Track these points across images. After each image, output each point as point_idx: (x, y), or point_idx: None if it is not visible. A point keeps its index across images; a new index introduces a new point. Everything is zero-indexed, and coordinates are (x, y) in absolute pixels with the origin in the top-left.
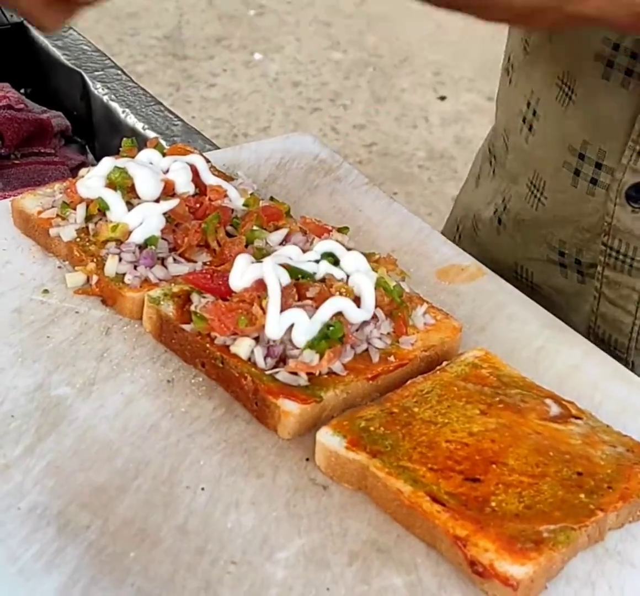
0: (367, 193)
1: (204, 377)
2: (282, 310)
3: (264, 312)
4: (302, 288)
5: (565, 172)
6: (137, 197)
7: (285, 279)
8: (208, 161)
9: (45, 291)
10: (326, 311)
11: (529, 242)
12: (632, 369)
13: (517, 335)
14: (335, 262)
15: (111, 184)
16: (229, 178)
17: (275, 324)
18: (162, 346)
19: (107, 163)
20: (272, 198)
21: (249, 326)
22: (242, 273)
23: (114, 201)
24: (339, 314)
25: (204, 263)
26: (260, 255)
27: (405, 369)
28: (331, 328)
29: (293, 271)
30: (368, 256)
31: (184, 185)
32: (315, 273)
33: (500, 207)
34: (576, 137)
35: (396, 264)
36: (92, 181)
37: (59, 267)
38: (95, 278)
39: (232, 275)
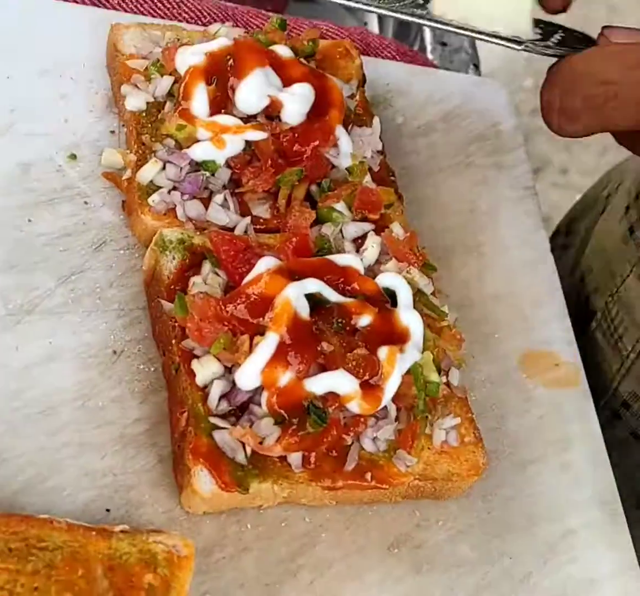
0: (517, 203)
1: (157, 367)
2: (270, 360)
3: (250, 350)
4: (318, 339)
5: None
6: (232, 103)
7: (305, 311)
8: (364, 80)
9: (73, 156)
10: (320, 386)
11: None
12: None
13: (551, 500)
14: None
15: (210, 69)
16: (367, 115)
17: (250, 375)
18: (144, 297)
19: (224, 42)
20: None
21: (225, 352)
22: (258, 280)
23: (200, 92)
24: (335, 395)
25: (256, 218)
26: (320, 244)
27: (378, 493)
28: (313, 415)
29: (321, 302)
30: (432, 320)
31: (294, 115)
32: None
33: None
34: None
35: (460, 344)
36: (193, 57)
37: (112, 131)
38: (128, 173)
39: (248, 277)
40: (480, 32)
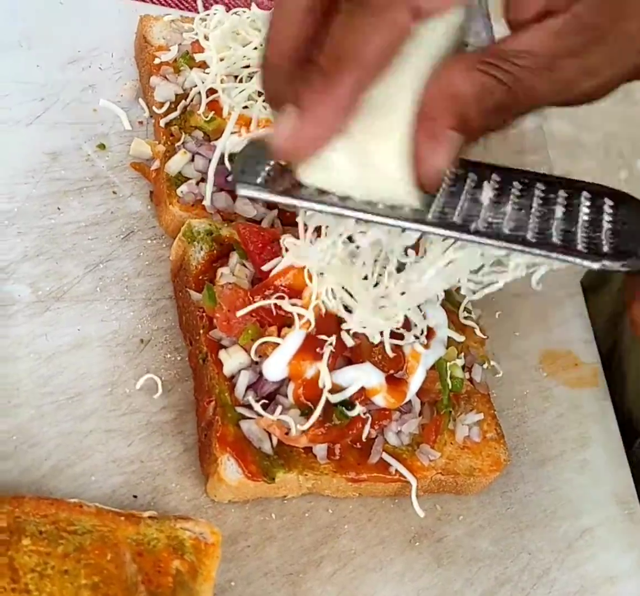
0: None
1: (183, 357)
2: (297, 352)
3: (278, 341)
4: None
5: None
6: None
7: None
8: None
9: (102, 145)
10: (346, 378)
11: None
12: None
13: (570, 497)
14: None
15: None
16: None
17: (278, 366)
18: (171, 287)
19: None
20: None
21: (253, 343)
22: (286, 272)
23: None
24: (361, 388)
25: (282, 211)
26: None
27: (401, 486)
28: (339, 407)
29: None
30: (455, 316)
31: None
32: None
33: None
34: None
35: (484, 341)
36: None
37: (140, 122)
38: (156, 164)
39: (276, 269)
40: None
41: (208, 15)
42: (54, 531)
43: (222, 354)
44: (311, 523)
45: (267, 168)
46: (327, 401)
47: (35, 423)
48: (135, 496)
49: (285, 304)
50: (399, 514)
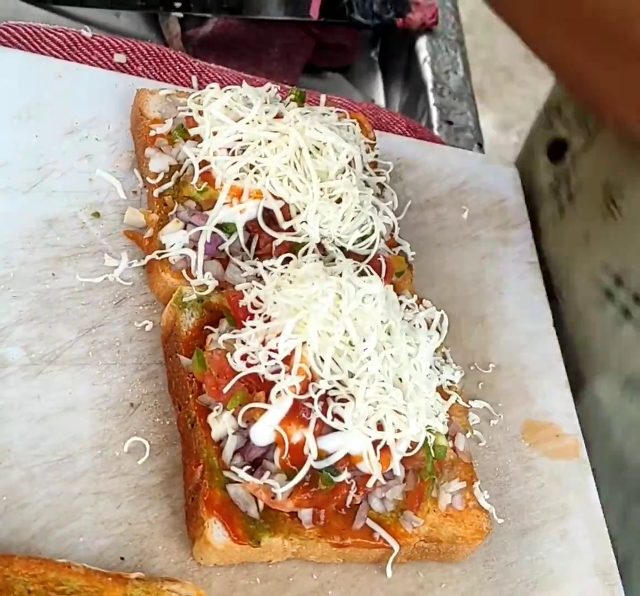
0: (521, 276)
1: (172, 421)
2: (284, 418)
3: (265, 407)
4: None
5: None
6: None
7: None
8: (374, 144)
9: (97, 214)
10: (331, 444)
11: None
12: None
13: (551, 567)
14: None
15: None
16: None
17: (265, 432)
18: (162, 353)
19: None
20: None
21: (241, 408)
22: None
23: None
24: (347, 454)
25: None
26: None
27: (384, 552)
28: (325, 473)
29: None
30: (439, 387)
31: None
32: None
33: None
34: None
35: (467, 411)
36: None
37: (134, 192)
38: (149, 232)
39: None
40: None
41: (200, 94)
42: (42, 590)
43: (211, 419)
44: (296, 588)
45: None
46: (313, 466)
47: (25, 484)
48: (122, 558)
49: (268, 374)
50: (382, 580)
